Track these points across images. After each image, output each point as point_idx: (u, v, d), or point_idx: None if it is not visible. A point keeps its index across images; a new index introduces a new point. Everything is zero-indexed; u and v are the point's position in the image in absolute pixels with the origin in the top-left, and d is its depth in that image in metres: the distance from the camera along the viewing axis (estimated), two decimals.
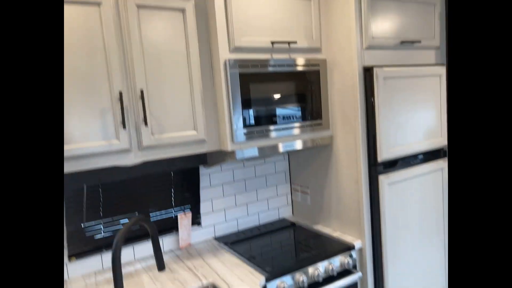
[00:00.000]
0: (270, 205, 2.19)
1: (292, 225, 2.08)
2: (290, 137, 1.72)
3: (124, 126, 1.37)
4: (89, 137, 1.32)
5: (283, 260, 1.60)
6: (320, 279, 1.59)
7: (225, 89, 1.53)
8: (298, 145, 1.75)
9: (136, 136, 1.42)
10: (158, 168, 1.76)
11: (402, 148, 1.77)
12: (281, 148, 1.70)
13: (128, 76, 1.39)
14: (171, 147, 1.50)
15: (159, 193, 1.82)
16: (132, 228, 1.76)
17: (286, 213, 2.25)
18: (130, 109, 1.40)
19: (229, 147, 1.56)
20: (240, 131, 1.57)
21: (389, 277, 1.76)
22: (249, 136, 1.59)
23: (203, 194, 1.95)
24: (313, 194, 2.05)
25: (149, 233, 1.11)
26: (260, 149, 1.64)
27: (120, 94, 1.35)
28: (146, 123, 1.41)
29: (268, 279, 1.48)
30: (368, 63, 1.68)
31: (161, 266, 1.16)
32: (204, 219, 1.96)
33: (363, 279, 1.77)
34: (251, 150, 1.61)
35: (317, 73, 1.76)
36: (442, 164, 1.96)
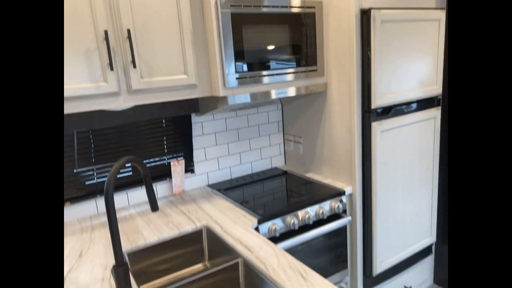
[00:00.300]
0: (263, 155, 2.20)
1: (284, 173, 2.11)
2: (284, 83, 1.68)
3: (111, 68, 1.32)
4: (75, 78, 1.28)
5: (275, 205, 1.63)
6: (311, 222, 1.64)
7: (216, 30, 1.47)
8: (292, 91, 1.72)
9: (124, 79, 1.38)
10: (149, 115, 1.73)
11: (397, 95, 1.75)
12: (274, 94, 1.67)
13: (113, 15, 1.32)
14: (161, 91, 1.46)
15: (151, 141, 1.81)
16: (124, 170, 1.76)
17: (278, 162, 2.27)
18: (117, 50, 1.34)
19: (220, 92, 1.53)
20: (232, 76, 1.52)
21: (377, 221, 1.82)
22: (241, 81, 1.55)
23: (196, 142, 1.94)
24: (306, 143, 2.06)
25: (141, 173, 1.11)
26: (253, 95, 1.61)
27: (106, 33, 1.29)
28: (134, 65, 1.36)
29: (260, 221, 1.52)
30: (366, 5, 1.61)
31: (154, 206, 1.17)
32: (197, 167, 1.97)
33: (353, 223, 1.83)
34: (243, 96, 1.58)
35: (312, 16, 1.69)
36: (435, 113, 1.96)
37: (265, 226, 1.53)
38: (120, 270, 1.00)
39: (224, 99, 1.56)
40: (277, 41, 1.61)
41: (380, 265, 1.89)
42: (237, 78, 1.53)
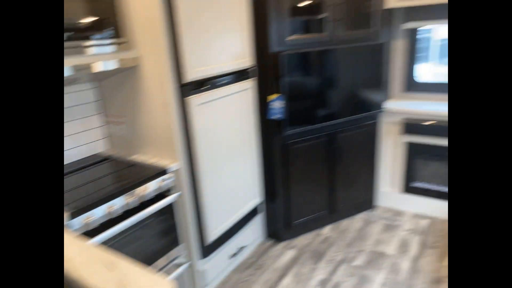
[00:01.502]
0: (80, 141, 1.95)
1: (106, 159, 1.93)
2: (88, 57, 1.49)
3: None
4: None
5: (93, 194, 1.47)
6: (136, 205, 1.56)
7: None
8: (98, 67, 1.54)
9: None
10: None
11: (211, 68, 1.80)
12: (73, 71, 1.46)
13: None
14: None
15: None
16: None
17: (101, 148, 2.06)
18: None
19: None
20: None
21: (206, 192, 1.88)
22: None
23: None
24: (129, 124, 1.92)
25: None
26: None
27: None
28: None
29: (74, 215, 1.34)
30: None
31: None
32: None
33: (182, 197, 1.83)
34: None
35: None
36: (249, 84, 2.12)
37: (79, 220, 1.37)
38: None
39: None
40: (70, 12, 1.39)
41: (212, 233, 1.98)
42: None
